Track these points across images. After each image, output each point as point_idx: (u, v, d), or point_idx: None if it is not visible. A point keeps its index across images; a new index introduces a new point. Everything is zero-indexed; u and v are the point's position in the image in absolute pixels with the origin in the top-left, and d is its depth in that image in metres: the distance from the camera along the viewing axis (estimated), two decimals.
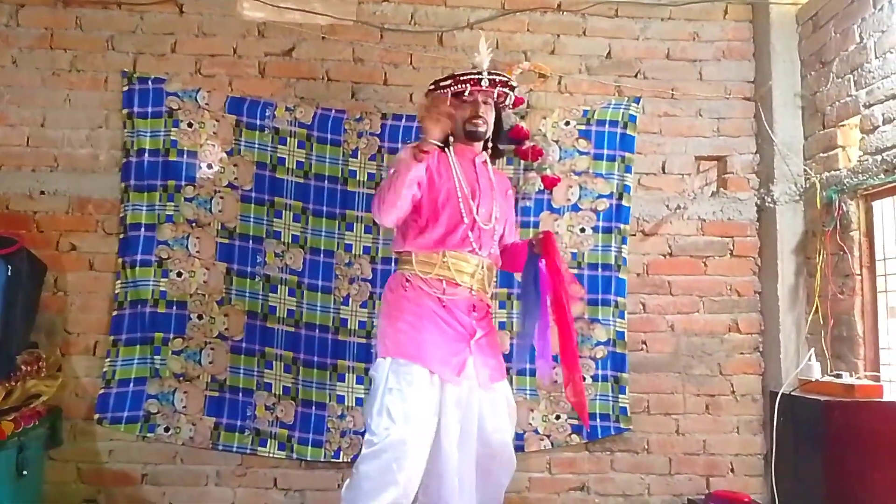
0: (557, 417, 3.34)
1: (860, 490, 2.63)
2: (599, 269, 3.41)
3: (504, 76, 2.63)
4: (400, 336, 2.43)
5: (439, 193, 2.50)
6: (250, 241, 3.31)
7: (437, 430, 2.38)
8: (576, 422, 3.33)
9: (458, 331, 2.47)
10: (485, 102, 2.57)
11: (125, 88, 3.33)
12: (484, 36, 2.78)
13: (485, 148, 2.65)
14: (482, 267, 2.54)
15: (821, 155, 3.31)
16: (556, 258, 2.51)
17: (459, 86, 2.54)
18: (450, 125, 2.45)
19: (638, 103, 3.50)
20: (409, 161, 2.35)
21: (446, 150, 2.56)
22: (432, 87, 2.61)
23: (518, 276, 3.04)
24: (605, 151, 3.45)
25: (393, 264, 3.25)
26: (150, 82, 3.34)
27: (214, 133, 3.33)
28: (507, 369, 2.81)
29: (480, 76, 2.55)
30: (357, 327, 3.30)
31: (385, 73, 3.47)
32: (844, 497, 2.65)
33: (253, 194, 3.33)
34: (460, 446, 2.42)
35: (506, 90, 2.65)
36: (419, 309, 2.45)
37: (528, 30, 3.55)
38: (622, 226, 3.43)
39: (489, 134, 2.63)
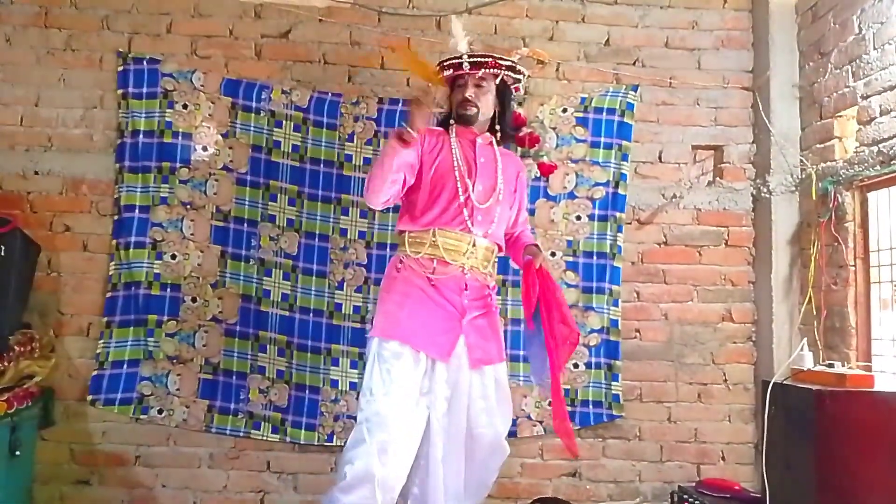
0: (550, 404, 3.34)
1: (850, 479, 2.65)
2: (594, 257, 3.41)
3: (489, 56, 2.62)
4: (387, 316, 2.46)
5: (435, 173, 2.51)
6: (245, 225, 3.30)
7: (427, 407, 2.42)
8: (568, 408, 3.33)
9: (448, 310, 2.47)
10: (477, 86, 2.58)
11: (120, 68, 3.31)
12: (457, 18, 2.81)
13: (492, 131, 2.66)
14: (474, 245, 2.51)
15: (817, 146, 3.31)
16: (550, 297, 2.50)
17: (448, 71, 2.61)
18: (430, 114, 2.48)
19: (636, 91, 3.49)
20: (394, 146, 2.36)
21: (448, 130, 2.60)
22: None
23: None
24: (602, 139, 3.44)
25: (388, 249, 3.28)
26: (145, 63, 3.32)
27: (210, 115, 3.32)
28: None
29: (460, 60, 2.58)
30: (351, 312, 3.30)
31: (382, 57, 3.45)
32: (835, 486, 2.67)
33: (248, 177, 3.31)
34: (447, 426, 2.44)
35: (496, 70, 2.61)
36: (407, 288, 2.47)
37: (526, 15, 3.53)
38: (618, 214, 3.43)
39: (485, 116, 2.62)
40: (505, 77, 2.65)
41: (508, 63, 2.64)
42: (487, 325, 2.58)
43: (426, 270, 2.47)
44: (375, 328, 2.49)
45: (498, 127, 2.66)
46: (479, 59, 2.59)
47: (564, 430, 2.61)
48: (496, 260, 2.69)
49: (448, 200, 2.50)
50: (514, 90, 2.81)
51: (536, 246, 2.72)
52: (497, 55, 2.65)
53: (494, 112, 2.65)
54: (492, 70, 2.60)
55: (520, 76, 2.72)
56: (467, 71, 2.57)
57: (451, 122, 2.62)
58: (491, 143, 2.66)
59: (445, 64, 2.63)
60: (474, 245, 2.51)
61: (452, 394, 2.45)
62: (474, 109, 2.58)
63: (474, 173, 2.55)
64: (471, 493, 2.57)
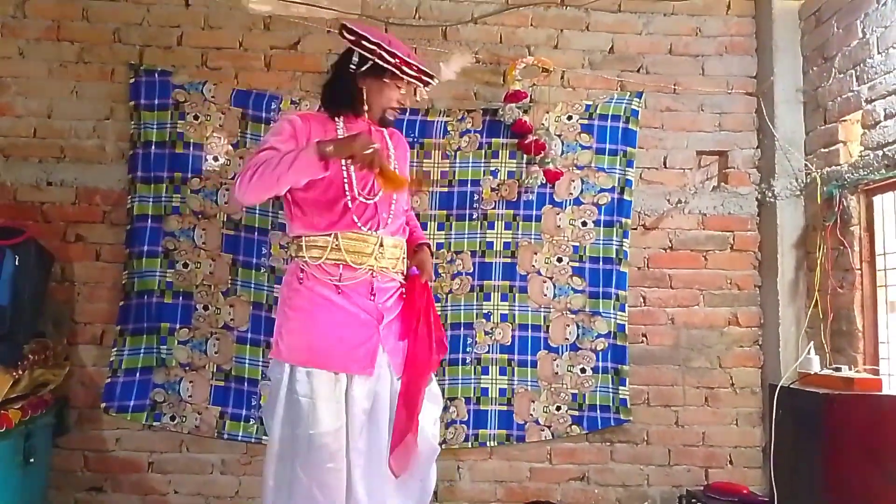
0: (558, 408, 3.37)
1: (858, 483, 2.66)
2: (601, 263, 3.43)
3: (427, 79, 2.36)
4: (294, 338, 2.23)
5: (329, 167, 2.18)
6: (256, 233, 3.33)
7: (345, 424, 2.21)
8: (576, 413, 3.36)
9: (362, 318, 2.24)
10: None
11: (132, 80, 3.35)
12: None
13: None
14: (381, 245, 2.27)
15: (822, 150, 3.33)
16: (421, 310, 2.31)
17: (401, 69, 2.27)
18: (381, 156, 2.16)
19: (640, 98, 3.51)
20: (316, 164, 2.09)
21: (335, 120, 2.32)
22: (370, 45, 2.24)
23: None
24: (607, 146, 3.47)
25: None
26: (156, 74, 3.36)
27: (220, 125, 3.36)
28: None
29: (430, 82, 2.36)
30: None
31: None
32: (842, 489, 2.67)
33: None
34: (367, 441, 2.24)
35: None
36: (312, 302, 2.23)
37: (531, 24, 3.57)
38: (623, 220, 3.45)
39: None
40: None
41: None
42: (401, 328, 2.34)
43: (332, 278, 2.23)
44: (282, 351, 2.23)
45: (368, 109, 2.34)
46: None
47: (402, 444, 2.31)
48: (404, 257, 2.40)
49: (338, 200, 2.24)
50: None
51: (427, 245, 2.50)
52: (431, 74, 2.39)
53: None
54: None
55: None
56: (415, 83, 2.34)
57: (343, 111, 2.33)
58: (380, 130, 2.39)
59: (410, 66, 2.28)
60: (381, 245, 2.28)
61: (373, 405, 2.25)
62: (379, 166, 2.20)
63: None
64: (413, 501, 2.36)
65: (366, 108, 2.31)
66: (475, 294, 3.39)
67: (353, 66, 2.26)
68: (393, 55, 2.24)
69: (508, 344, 3.37)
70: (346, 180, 2.24)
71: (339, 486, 2.17)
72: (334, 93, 2.35)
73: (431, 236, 3.29)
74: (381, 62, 2.24)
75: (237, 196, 2.18)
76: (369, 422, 2.25)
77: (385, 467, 2.25)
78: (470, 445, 3.34)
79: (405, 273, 2.39)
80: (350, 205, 2.24)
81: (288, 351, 2.22)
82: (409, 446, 2.26)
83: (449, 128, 3.43)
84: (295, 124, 2.27)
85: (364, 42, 2.24)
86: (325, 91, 2.39)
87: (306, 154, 2.09)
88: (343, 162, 2.20)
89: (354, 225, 2.25)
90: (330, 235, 2.24)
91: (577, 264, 3.43)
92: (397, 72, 2.26)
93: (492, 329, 3.37)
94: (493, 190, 3.42)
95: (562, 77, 3.53)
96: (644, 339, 3.49)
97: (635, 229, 3.50)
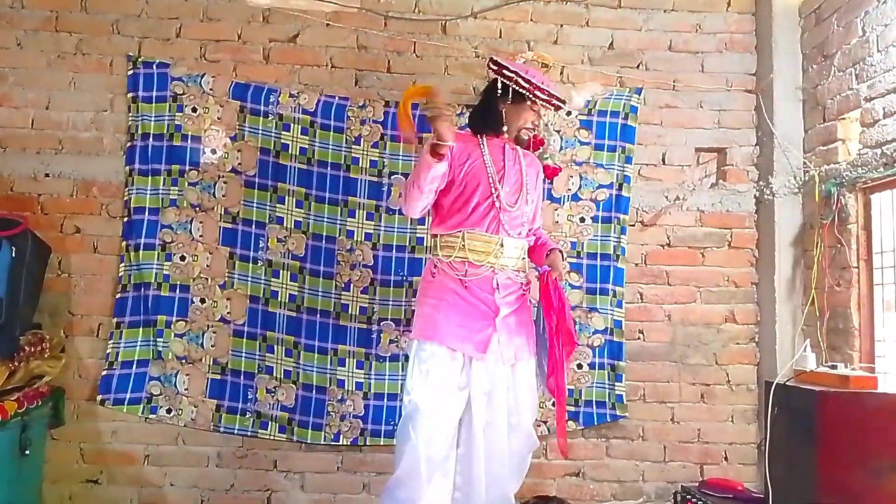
0: (554, 404, 3.37)
1: (853, 480, 2.66)
2: (598, 259, 3.44)
3: (564, 102, 2.74)
4: (424, 320, 2.58)
5: (465, 178, 2.58)
6: (253, 226, 3.34)
7: (468, 404, 2.53)
8: (572, 408, 3.37)
9: (482, 309, 2.55)
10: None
11: (130, 72, 3.35)
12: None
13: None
14: (502, 246, 2.58)
15: (820, 148, 3.33)
16: (554, 306, 2.58)
17: (534, 94, 2.61)
18: (453, 121, 2.56)
19: (639, 94, 3.51)
20: (428, 161, 2.40)
21: (479, 137, 2.66)
22: (510, 73, 2.61)
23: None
24: (606, 142, 3.47)
25: (394, 251, 3.31)
26: (154, 66, 3.35)
27: (218, 118, 3.35)
28: None
29: (561, 106, 2.74)
30: (358, 313, 3.33)
31: (388, 61, 3.49)
32: (837, 486, 2.68)
33: (256, 180, 3.35)
34: (489, 418, 2.54)
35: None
36: (442, 292, 2.56)
37: (531, 19, 3.56)
38: (622, 216, 3.45)
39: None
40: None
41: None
42: (519, 323, 2.64)
43: (459, 273, 2.56)
44: (414, 331, 2.63)
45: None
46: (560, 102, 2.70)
47: (562, 432, 2.77)
48: (525, 257, 2.72)
49: (477, 204, 2.57)
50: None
51: (560, 251, 2.78)
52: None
53: None
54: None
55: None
56: (544, 106, 2.68)
57: (486, 130, 2.67)
58: (515, 147, 2.72)
59: (543, 91, 2.62)
60: (502, 245, 2.58)
61: (491, 388, 2.55)
62: (529, 138, 2.70)
63: (503, 177, 2.61)
64: (512, 478, 2.67)
65: (504, 128, 2.65)
66: None
67: (498, 92, 2.62)
68: (528, 82, 2.59)
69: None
70: (491, 186, 2.57)
71: (443, 451, 2.50)
72: (480, 115, 2.72)
73: None
74: (518, 88, 2.60)
75: (406, 213, 2.65)
76: (489, 404, 2.54)
77: (505, 449, 2.57)
78: None
79: (527, 273, 2.71)
80: (479, 208, 2.57)
81: (419, 330, 2.59)
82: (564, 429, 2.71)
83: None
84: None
85: (505, 72, 2.61)
86: (472, 114, 2.80)
87: (423, 155, 2.43)
88: (486, 169, 2.59)
89: (480, 226, 2.57)
90: (458, 236, 2.57)
91: (574, 260, 3.43)
92: (531, 96, 2.61)
93: None
94: None
95: (561, 73, 3.53)
96: (641, 335, 3.50)
97: (633, 226, 3.50)
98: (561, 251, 2.81)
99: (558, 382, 2.58)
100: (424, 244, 3.33)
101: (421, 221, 3.27)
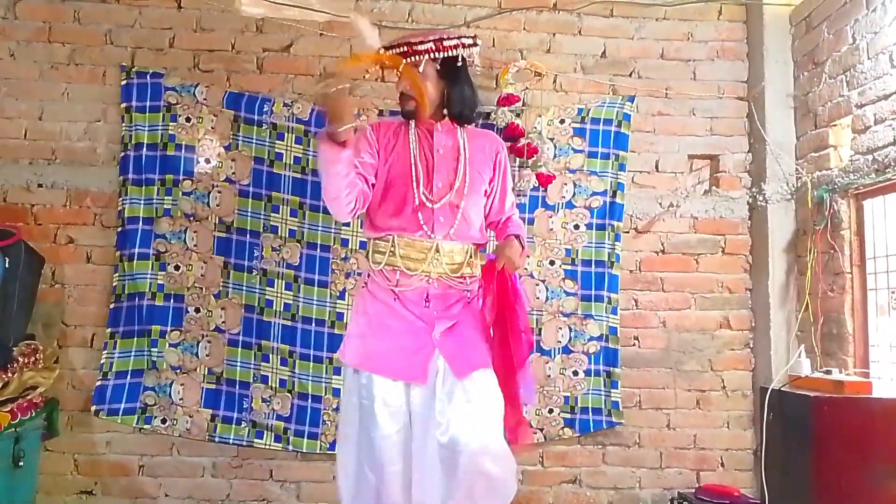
0: (550, 411, 3.37)
1: (848, 485, 2.67)
2: (593, 266, 3.44)
3: (404, 44, 2.19)
4: (355, 341, 2.22)
5: (389, 173, 2.20)
6: (247, 236, 3.33)
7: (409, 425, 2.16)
8: (568, 415, 3.37)
9: (417, 325, 2.17)
10: (409, 77, 2.19)
11: (123, 82, 3.35)
12: (357, 16, 2.37)
13: (453, 118, 2.27)
14: (437, 251, 2.17)
15: (812, 154, 3.35)
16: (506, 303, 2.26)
17: (386, 52, 2.21)
18: (348, 100, 2.01)
19: (632, 102, 3.53)
20: (326, 150, 2.00)
21: (409, 123, 2.26)
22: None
23: None
24: (600, 149, 3.48)
25: None
26: (148, 77, 3.35)
27: (212, 128, 3.35)
28: None
29: (413, 44, 2.20)
30: None
31: (382, 71, 3.49)
32: (832, 492, 2.69)
33: (250, 189, 3.35)
34: (422, 445, 2.13)
35: (423, 54, 2.18)
36: (374, 307, 2.21)
37: (524, 28, 3.58)
38: (615, 223, 3.46)
39: (433, 104, 2.23)
40: (446, 53, 2.20)
41: (433, 41, 2.19)
42: (466, 333, 2.22)
43: (390, 283, 2.18)
44: (347, 353, 2.23)
45: (445, 111, 2.24)
46: (396, 51, 2.20)
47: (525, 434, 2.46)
48: (472, 260, 2.25)
49: (400, 203, 2.18)
50: (466, 62, 2.26)
51: (518, 237, 2.28)
52: (420, 35, 2.24)
53: (444, 94, 2.24)
54: (421, 56, 2.18)
55: (462, 49, 2.21)
56: (392, 65, 2.21)
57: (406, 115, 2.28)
58: (454, 129, 2.28)
59: (395, 47, 2.21)
60: (437, 251, 2.17)
61: (432, 410, 2.12)
62: (412, 103, 2.21)
63: (432, 171, 2.20)
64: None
65: (409, 107, 2.24)
66: None
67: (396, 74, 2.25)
68: (386, 47, 2.20)
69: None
70: (412, 180, 2.18)
71: (398, 489, 2.13)
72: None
73: None
74: (386, 60, 2.22)
75: (334, 217, 2.26)
76: (427, 428, 2.12)
77: (430, 470, 2.11)
78: None
79: (471, 278, 2.26)
80: (405, 208, 2.18)
81: (351, 352, 2.22)
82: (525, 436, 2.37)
83: None
84: (365, 132, 2.23)
85: (380, 51, 2.22)
86: None
87: (317, 142, 2.05)
88: (411, 160, 2.19)
89: (409, 229, 2.18)
90: (387, 240, 2.19)
91: (569, 267, 3.44)
92: (387, 61, 2.21)
93: None
94: None
95: (554, 81, 3.54)
96: (636, 342, 3.50)
97: (627, 233, 3.51)
98: (519, 238, 2.28)
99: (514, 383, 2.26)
100: None
101: None
